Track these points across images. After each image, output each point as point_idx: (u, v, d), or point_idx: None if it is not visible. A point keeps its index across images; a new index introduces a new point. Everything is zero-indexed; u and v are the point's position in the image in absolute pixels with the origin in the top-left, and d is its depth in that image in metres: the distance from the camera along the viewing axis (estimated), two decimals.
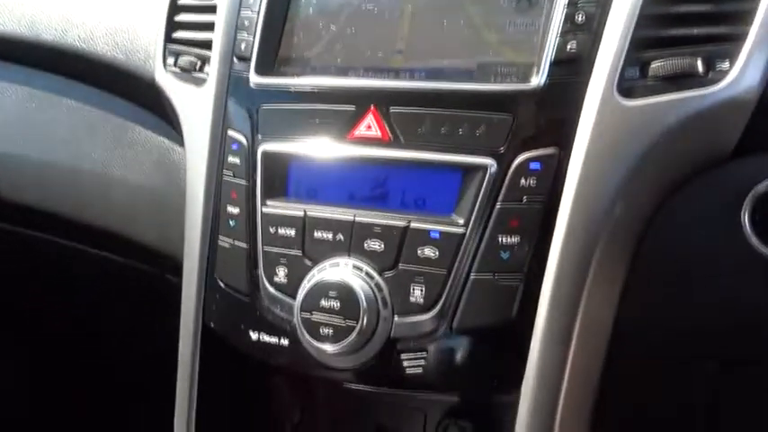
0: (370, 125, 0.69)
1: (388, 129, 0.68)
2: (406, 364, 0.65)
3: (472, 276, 0.64)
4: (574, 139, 0.62)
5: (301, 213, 0.70)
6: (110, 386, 1.32)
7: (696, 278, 0.65)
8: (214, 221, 0.75)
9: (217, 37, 0.77)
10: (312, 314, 0.66)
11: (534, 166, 0.63)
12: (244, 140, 0.74)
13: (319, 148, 0.71)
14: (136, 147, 0.88)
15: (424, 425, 0.76)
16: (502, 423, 0.69)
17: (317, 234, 0.69)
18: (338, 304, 0.65)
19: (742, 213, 0.61)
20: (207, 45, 0.79)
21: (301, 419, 0.80)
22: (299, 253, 0.69)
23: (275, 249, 0.70)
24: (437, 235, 0.65)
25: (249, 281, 0.72)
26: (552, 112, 0.63)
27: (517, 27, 0.66)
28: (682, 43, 0.62)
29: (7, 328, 1.26)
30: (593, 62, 0.62)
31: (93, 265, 1.01)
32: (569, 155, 0.62)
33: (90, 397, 1.33)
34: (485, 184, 0.64)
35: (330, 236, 0.68)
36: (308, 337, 0.66)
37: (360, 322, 0.64)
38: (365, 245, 0.67)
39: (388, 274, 0.66)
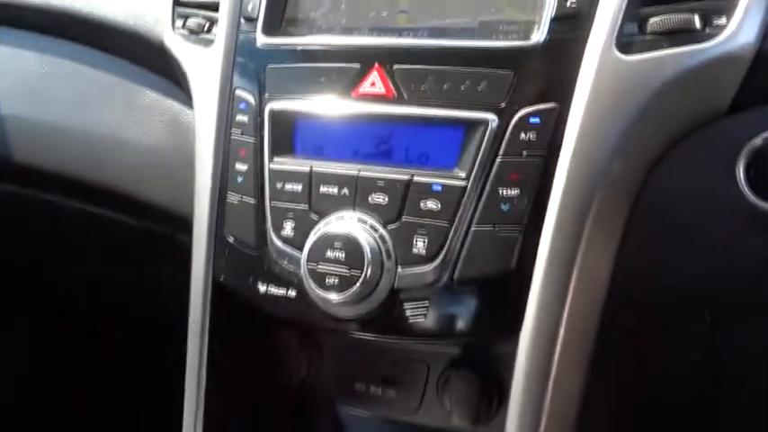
0: (374, 82, 0.70)
1: (392, 86, 0.69)
2: (408, 313, 0.67)
3: (473, 228, 0.65)
4: (573, 94, 0.63)
5: (307, 169, 0.71)
6: (116, 355, 1.33)
7: (692, 231, 0.66)
8: (223, 178, 0.76)
9: None
10: (318, 265, 0.67)
11: (534, 120, 0.64)
12: (251, 99, 0.75)
13: (325, 105, 0.72)
14: (147, 110, 0.89)
15: (427, 376, 0.78)
16: (501, 373, 0.71)
17: (323, 189, 0.70)
18: (343, 255, 0.66)
19: (737, 167, 0.62)
20: (214, 7, 0.80)
21: (308, 372, 0.81)
22: (305, 207, 0.71)
23: (282, 204, 0.72)
24: (439, 188, 0.66)
25: (257, 235, 0.73)
26: (552, 67, 0.64)
27: None
28: None
29: (18, 291, 1.28)
30: (593, 18, 0.63)
31: (104, 227, 1.03)
32: (568, 109, 0.63)
33: (95, 366, 1.35)
34: (486, 138, 0.65)
35: (335, 190, 0.70)
36: (313, 286, 0.68)
37: (364, 272, 0.66)
38: (369, 198, 0.68)
39: (392, 226, 0.67)
